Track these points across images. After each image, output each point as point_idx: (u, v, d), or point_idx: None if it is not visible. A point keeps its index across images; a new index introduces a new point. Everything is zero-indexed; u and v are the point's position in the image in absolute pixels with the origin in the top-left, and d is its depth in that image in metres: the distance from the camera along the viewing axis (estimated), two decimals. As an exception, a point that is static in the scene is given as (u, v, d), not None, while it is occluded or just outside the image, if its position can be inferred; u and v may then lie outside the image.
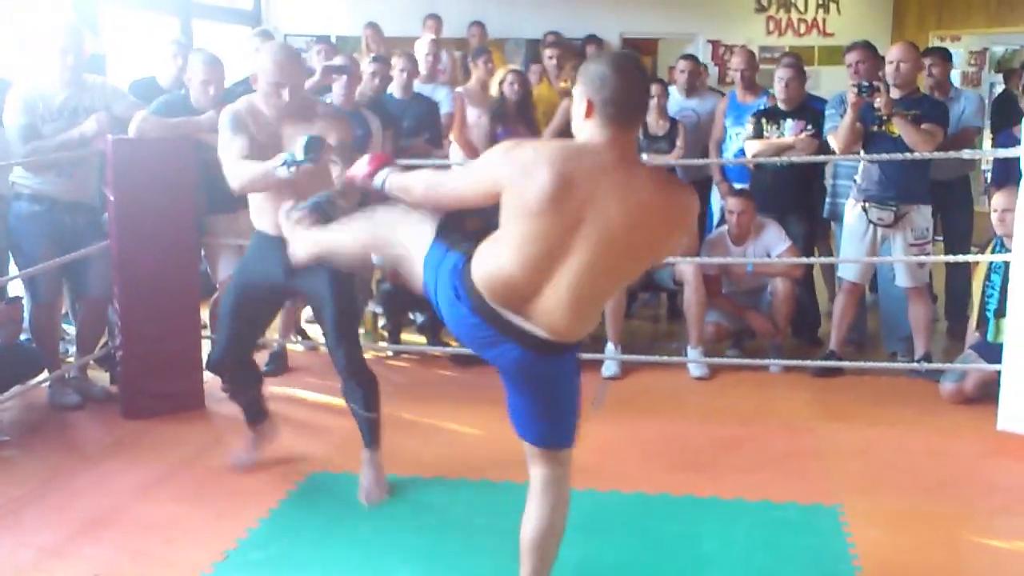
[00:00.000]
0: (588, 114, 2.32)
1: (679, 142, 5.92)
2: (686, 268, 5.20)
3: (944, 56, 5.77)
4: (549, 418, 2.58)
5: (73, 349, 5.02)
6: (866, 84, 4.79)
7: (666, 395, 4.90)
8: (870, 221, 4.95)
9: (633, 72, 2.33)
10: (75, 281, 4.75)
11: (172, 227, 4.51)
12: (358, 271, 3.90)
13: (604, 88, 2.28)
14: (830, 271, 6.05)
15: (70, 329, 5.16)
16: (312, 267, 3.35)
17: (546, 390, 2.55)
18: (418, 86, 5.91)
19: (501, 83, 5.87)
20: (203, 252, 4.85)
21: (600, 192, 2.27)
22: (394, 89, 5.80)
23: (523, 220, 2.29)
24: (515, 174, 2.28)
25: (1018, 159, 4.15)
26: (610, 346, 5.22)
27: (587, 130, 2.33)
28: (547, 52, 7.09)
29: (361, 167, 2.74)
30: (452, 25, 8.01)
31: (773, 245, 5.30)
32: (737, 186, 5.82)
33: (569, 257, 2.30)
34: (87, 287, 4.70)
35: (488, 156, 2.41)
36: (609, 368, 5.16)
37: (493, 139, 5.80)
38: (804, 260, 5.40)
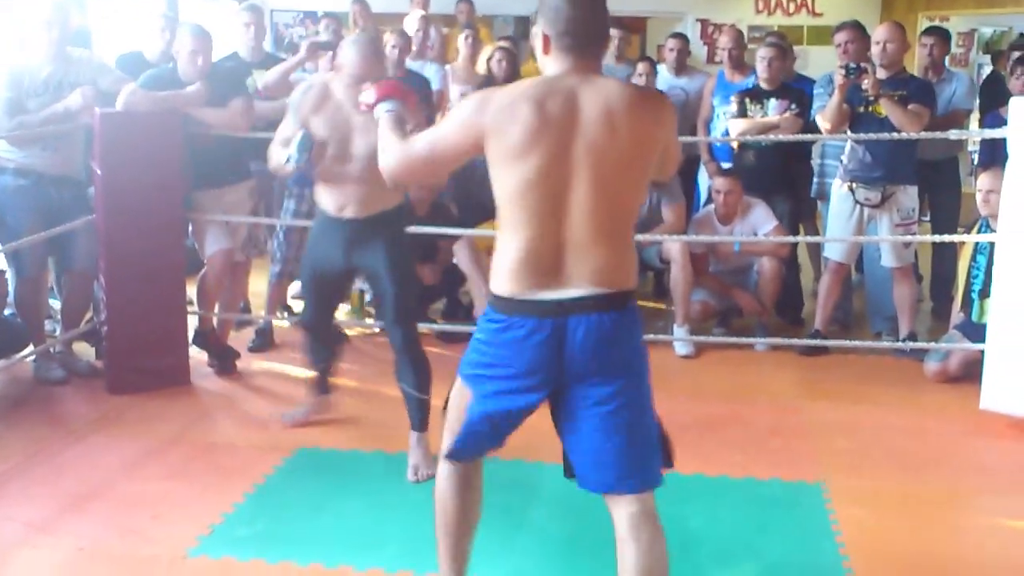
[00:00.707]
0: (546, 49, 2.33)
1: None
2: (673, 247, 5.21)
3: (944, 36, 5.78)
4: (628, 439, 2.31)
5: (57, 325, 5.01)
6: (854, 65, 4.79)
7: (652, 373, 4.89)
8: (856, 201, 4.97)
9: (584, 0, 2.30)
10: (61, 255, 4.73)
11: (159, 202, 4.49)
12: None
13: (558, 20, 2.28)
14: (815, 251, 6.07)
15: (55, 304, 5.14)
16: (370, 244, 3.55)
17: (620, 383, 2.30)
18: (408, 63, 5.88)
19: (489, 60, 5.84)
20: (190, 227, 4.83)
21: (575, 111, 2.23)
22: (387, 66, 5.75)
23: (514, 165, 2.24)
24: (497, 117, 2.25)
25: (1004, 140, 4.16)
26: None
27: (549, 65, 2.33)
28: (534, 28, 7.03)
29: (369, 95, 2.72)
30: (440, 1, 7.96)
31: (760, 224, 5.31)
32: (724, 165, 5.83)
33: (571, 190, 2.22)
34: (73, 261, 4.68)
35: (463, 106, 2.35)
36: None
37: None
38: (791, 239, 5.42)
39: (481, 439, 2.47)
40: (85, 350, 4.97)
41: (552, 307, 2.24)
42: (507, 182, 2.27)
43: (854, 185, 4.97)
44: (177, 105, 4.50)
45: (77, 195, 4.65)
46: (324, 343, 4.01)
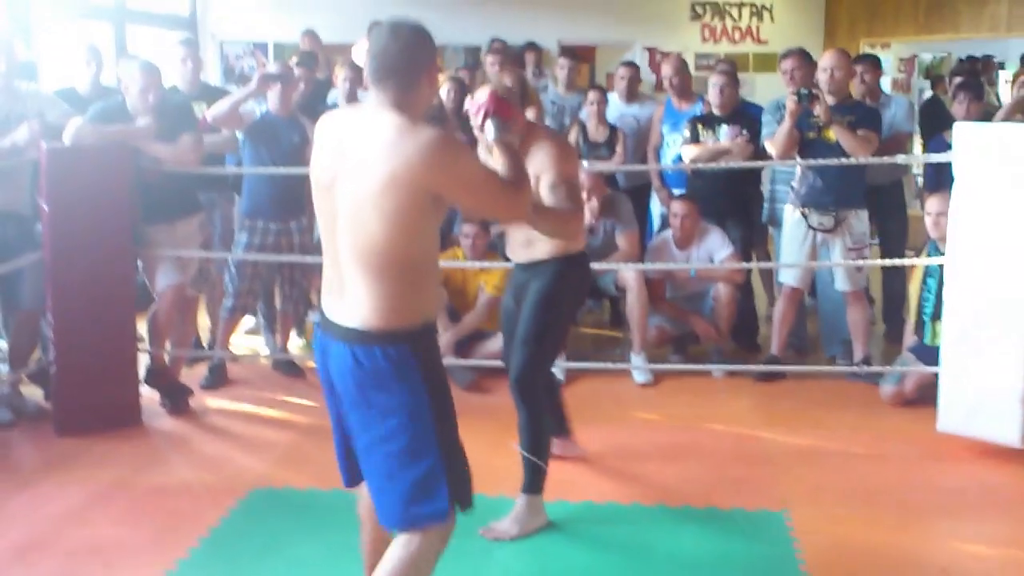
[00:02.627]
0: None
1: (619, 148, 5.95)
2: (628, 274, 5.22)
3: (875, 63, 5.88)
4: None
5: (4, 365, 4.87)
6: (805, 92, 4.86)
7: (610, 401, 4.90)
8: (810, 226, 5.02)
9: (380, 34, 2.35)
10: (7, 293, 4.61)
11: (108, 237, 4.40)
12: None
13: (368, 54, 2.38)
14: (768, 276, 6.12)
15: (2, 344, 5.01)
16: (526, 290, 3.47)
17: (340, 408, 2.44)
18: (360, 94, 5.85)
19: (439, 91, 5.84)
20: (140, 263, 4.74)
21: (344, 145, 2.33)
22: (338, 97, 5.73)
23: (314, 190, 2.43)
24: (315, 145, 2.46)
25: (950, 164, 4.23)
26: (554, 354, 5.21)
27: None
28: (489, 59, 7.06)
29: (481, 97, 2.83)
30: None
31: (716, 250, 5.35)
32: (676, 192, 5.86)
33: (337, 219, 2.33)
34: (19, 300, 4.56)
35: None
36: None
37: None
38: (748, 265, 5.45)
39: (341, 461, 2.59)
40: (33, 391, 4.84)
41: (324, 322, 2.41)
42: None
43: (807, 210, 5.02)
44: (127, 139, 4.44)
45: (23, 231, 4.54)
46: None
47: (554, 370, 5.11)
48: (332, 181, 2.33)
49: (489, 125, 2.79)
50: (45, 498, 3.74)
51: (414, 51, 2.33)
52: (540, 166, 3.22)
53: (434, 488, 2.30)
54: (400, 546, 2.35)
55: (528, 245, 3.46)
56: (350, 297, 2.32)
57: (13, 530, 3.49)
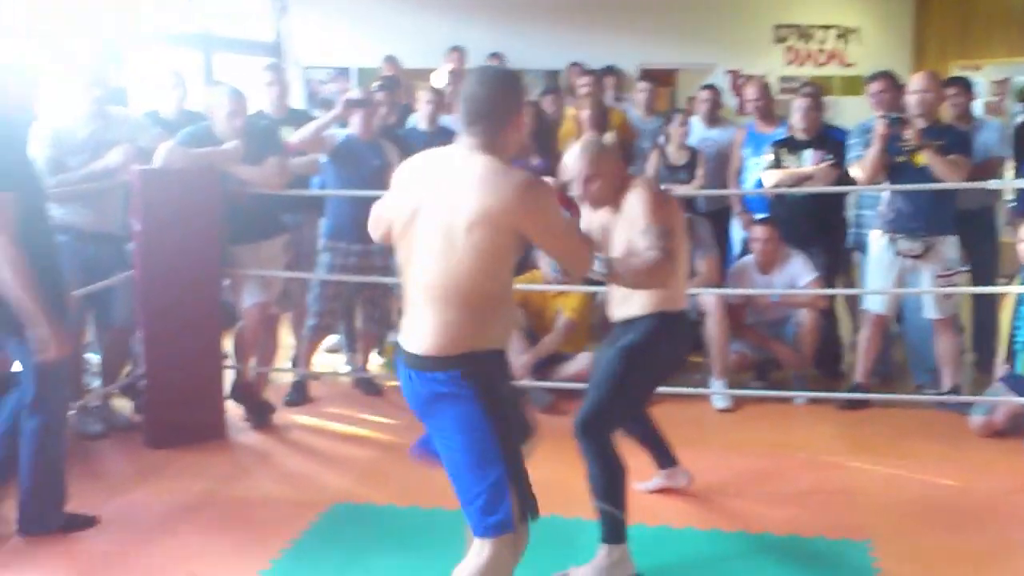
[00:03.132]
0: None
1: (699, 172, 5.92)
2: (708, 299, 5.18)
3: (965, 86, 5.75)
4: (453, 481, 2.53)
5: (97, 380, 5.03)
6: (896, 116, 4.78)
7: (690, 427, 4.84)
8: (898, 252, 4.92)
9: (470, 79, 2.51)
10: (99, 310, 4.76)
11: (196, 257, 4.53)
12: None
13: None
14: (853, 302, 5.99)
15: (95, 358, 5.18)
16: (615, 343, 3.42)
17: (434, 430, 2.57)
18: (444, 119, 5.92)
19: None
20: (226, 282, 4.87)
21: (430, 182, 2.47)
22: (419, 121, 5.82)
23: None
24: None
25: (1044, 189, 4.11)
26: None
27: None
28: (579, 81, 6.98)
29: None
30: (473, 56, 8.05)
31: (799, 275, 5.27)
32: (757, 216, 5.80)
33: (414, 253, 2.49)
34: (111, 316, 4.72)
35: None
36: (632, 399, 5.12)
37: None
38: (832, 291, 5.35)
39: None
40: (124, 405, 4.99)
41: (400, 351, 2.56)
42: None
43: (895, 236, 4.92)
44: (215, 162, 4.57)
45: (116, 251, 4.70)
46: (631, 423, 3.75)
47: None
48: (414, 215, 2.47)
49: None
50: (135, 507, 3.86)
51: (502, 97, 2.48)
52: (634, 212, 3.20)
53: (500, 500, 2.43)
54: (474, 554, 2.48)
55: (624, 301, 3.41)
56: (416, 324, 2.49)
57: (105, 536, 3.60)
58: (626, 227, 3.25)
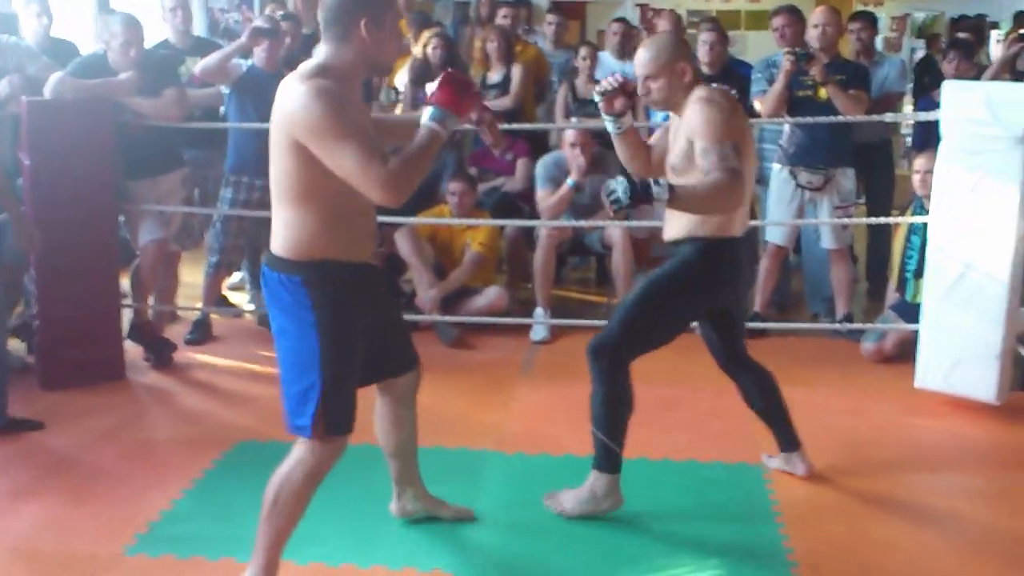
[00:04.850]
0: None
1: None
2: (614, 232, 5.22)
3: (871, 20, 5.85)
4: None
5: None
6: (802, 52, 4.84)
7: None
8: (798, 184, 5.02)
9: None
10: (-12, 248, 4.59)
11: (90, 192, 4.39)
12: None
13: None
14: (754, 234, 6.11)
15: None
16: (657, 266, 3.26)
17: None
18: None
19: (425, 46, 5.81)
20: (122, 218, 4.73)
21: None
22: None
23: None
24: None
25: (937, 122, 4.22)
26: (539, 310, 5.23)
27: None
28: (500, 12, 6.82)
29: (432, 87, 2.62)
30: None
31: (700, 209, 5.33)
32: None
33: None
34: (1, 254, 4.55)
35: None
36: (538, 332, 5.17)
37: (415, 102, 5.74)
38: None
39: None
40: (18, 346, 4.84)
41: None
42: None
43: (796, 169, 5.02)
44: (108, 93, 4.41)
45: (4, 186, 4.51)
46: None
47: (538, 326, 5.16)
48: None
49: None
50: (31, 450, 3.77)
51: (345, 3, 2.49)
52: (692, 124, 2.97)
53: (304, 406, 2.56)
54: (293, 451, 2.66)
55: (669, 220, 3.18)
56: (273, 227, 2.60)
57: (0, 480, 3.51)
58: (683, 137, 3.04)
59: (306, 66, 2.51)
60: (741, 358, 3.47)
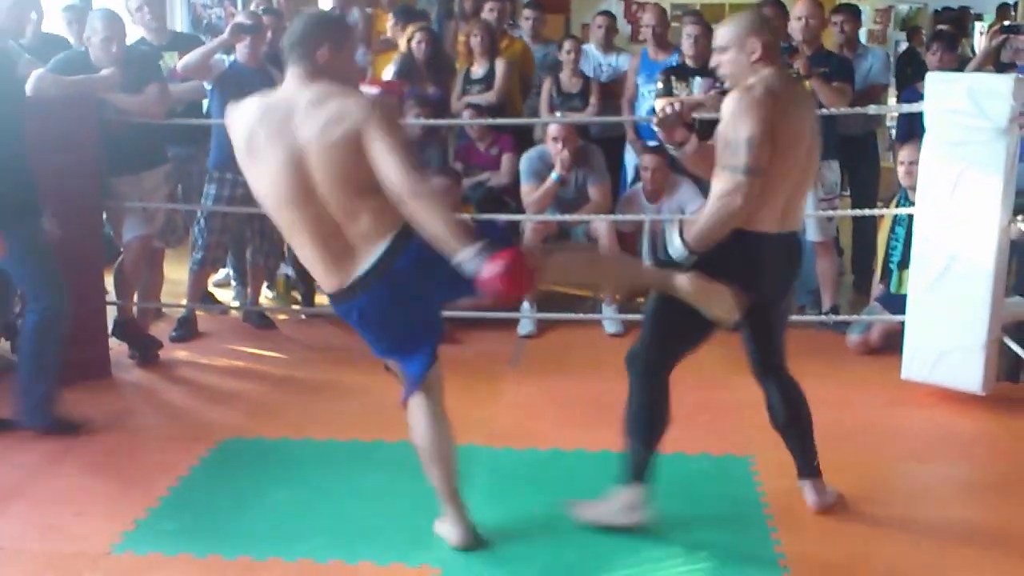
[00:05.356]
0: None
1: (592, 99, 5.92)
2: (600, 225, 5.22)
3: (855, 12, 5.86)
4: None
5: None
6: (786, 46, 4.85)
7: (582, 352, 4.92)
8: (781, 176, 5.02)
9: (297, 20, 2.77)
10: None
11: (73, 189, 4.34)
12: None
13: None
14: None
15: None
16: None
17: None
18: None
19: (409, 40, 5.80)
20: (105, 215, 4.70)
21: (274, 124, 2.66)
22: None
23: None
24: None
25: (921, 114, 4.24)
26: (525, 304, 5.22)
27: None
28: (487, 5, 6.78)
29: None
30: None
31: (687, 202, 5.34)
32: (650, 144, 5.84)
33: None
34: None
35: None
36: (525, 326, 5.17)
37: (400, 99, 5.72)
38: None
39: None
40: (2, 345, 4.81)
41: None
42: None
43: (779, 161, 5.02)
44: (90, 90, 4.38)
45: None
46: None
47: (525, 320, 5.16)
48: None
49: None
50: (16, 448, 3.74)
51: (313, 24, 2.72)
52: (724, 114, 2.90)
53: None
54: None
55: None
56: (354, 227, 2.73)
57: (-18, 479, 3.49)
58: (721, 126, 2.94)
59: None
60: (773, 368, 3.28)
